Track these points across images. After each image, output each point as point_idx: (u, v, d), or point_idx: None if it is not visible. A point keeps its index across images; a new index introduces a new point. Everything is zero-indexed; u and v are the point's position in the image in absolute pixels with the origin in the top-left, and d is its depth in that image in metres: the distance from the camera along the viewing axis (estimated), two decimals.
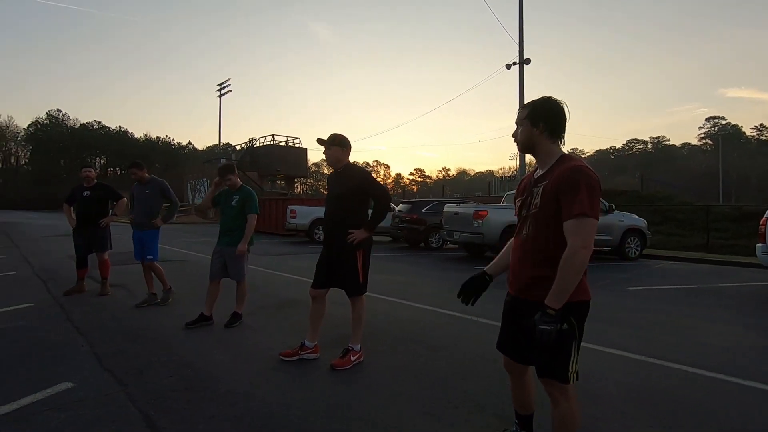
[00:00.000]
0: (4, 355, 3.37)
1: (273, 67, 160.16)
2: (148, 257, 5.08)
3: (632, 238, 10.81)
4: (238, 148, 42.98)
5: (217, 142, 47.07)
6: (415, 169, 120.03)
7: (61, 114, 77.43)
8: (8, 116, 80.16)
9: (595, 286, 7.00)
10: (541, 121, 1.74)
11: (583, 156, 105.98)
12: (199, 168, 45.20)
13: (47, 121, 75.61)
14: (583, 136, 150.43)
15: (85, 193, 5.61)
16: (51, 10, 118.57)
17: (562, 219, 1.61)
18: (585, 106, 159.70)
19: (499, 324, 1.97)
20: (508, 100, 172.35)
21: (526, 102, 1.79)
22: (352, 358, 3.24)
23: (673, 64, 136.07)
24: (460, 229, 10.15)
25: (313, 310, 3.40)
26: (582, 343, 1.73)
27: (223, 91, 45.36)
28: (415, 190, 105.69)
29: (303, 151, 40.71)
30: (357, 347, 3.31)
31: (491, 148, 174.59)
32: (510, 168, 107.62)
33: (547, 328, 1.54)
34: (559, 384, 1.68)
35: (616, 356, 3.59)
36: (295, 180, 44.19)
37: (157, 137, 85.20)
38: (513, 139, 1.82)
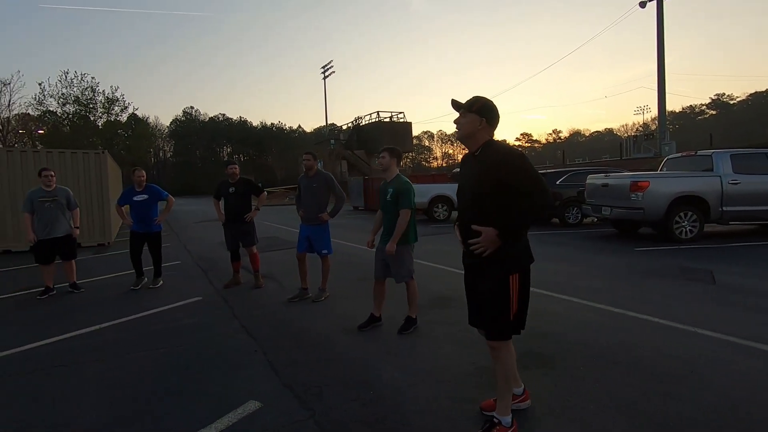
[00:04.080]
0: (191, 359, 3.43)
1: (373, 43, 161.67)
2: (323, 251, 4.96)
3: None
4: (344, 128, 44.18)
5: (324, 123, 48.99)
6: (521, 135, 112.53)
7: (194, 110, 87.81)
8: (155, 117, 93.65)
9: None
10: None
11: (731, 102, 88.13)
12: (312, 150, 47.61)
13: (184, 118, 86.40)
14: (731, 79, 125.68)
15: (230, 189, 5.75)
16: (177, 20, 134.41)
17: None
18: (732, 46, 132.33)
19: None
20: (636, 47, 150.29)
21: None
22: None
23: None
24: (611, 204, 8.73)
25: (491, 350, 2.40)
26: None
27: (327, 73, 46.75)
28: None
29: (408, 126, 40.38)
30: (507, 420, 2.24)
31: (609, 104, 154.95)
32: (634, 124, 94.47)
33: None
34: None
35: None
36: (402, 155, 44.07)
37: (272, 124, 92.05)
38: None
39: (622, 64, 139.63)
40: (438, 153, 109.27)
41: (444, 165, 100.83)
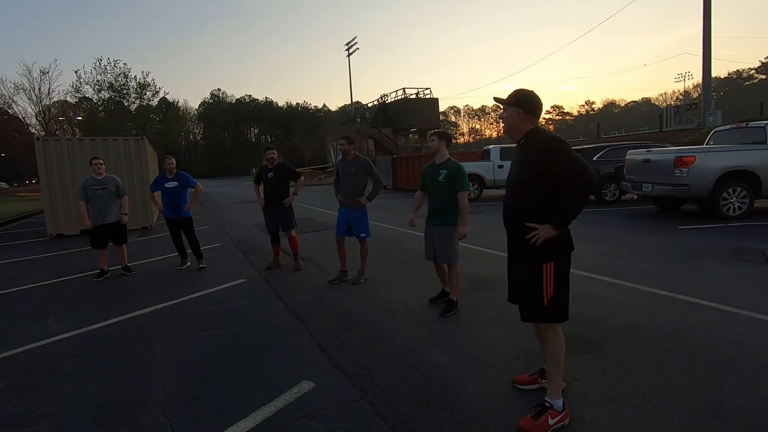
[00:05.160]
0: (244, 340, 3.60)
1: (397, 16, 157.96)
2: (362, 235, 5.05)
3: None
4: (370, 105, 43.80)
5: (349, 102, 48.69)
6: (551, 107, 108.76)
7: (221, 93, 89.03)
8: (184, 100, 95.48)
9: None
10: None
11: None
12: (338, 129, 47.63)
13: (212, 100, 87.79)
14: None
15: (269, 174, 5.85)
16: (202, 1, 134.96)
17: None
18: None
19: None
20: (678, 9, 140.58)
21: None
22: (551, 421, 2.20)
23: None
24: (653, 180, 8.41)
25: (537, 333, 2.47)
26: None
27: (351, 50, 46.10)
28: (551, 130, 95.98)
29: (434, 102, 39.66)
30: (558, 404, 2.26)
31: (647, 72, 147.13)
32: (674, 92, 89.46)
33: None
34: None
35: None
36: (428, 132, 43.56)
37: (297, 104, 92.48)
38: None
39: (662, 29, 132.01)
40: (465, 129, 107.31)
41: (471, 141, 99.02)
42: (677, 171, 7.84)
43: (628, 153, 9.50)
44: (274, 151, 5.90)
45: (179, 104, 72.29)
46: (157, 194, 6.44)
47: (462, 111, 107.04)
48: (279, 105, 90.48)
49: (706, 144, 9.12)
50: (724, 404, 2.34)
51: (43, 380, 3.06)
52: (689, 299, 3.91)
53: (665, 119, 28.95)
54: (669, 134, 23.25)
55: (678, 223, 7.84)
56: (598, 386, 2.59)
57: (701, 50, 25.55)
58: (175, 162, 6.18)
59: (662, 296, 4.05)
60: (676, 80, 76.07)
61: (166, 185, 6.09)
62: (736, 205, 7.74)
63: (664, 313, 3.65)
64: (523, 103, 2.30)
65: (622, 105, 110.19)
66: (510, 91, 2.42)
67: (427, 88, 39.66)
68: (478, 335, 3.46)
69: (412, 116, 37.69)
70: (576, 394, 2.52)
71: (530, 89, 2.36)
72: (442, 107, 77.19)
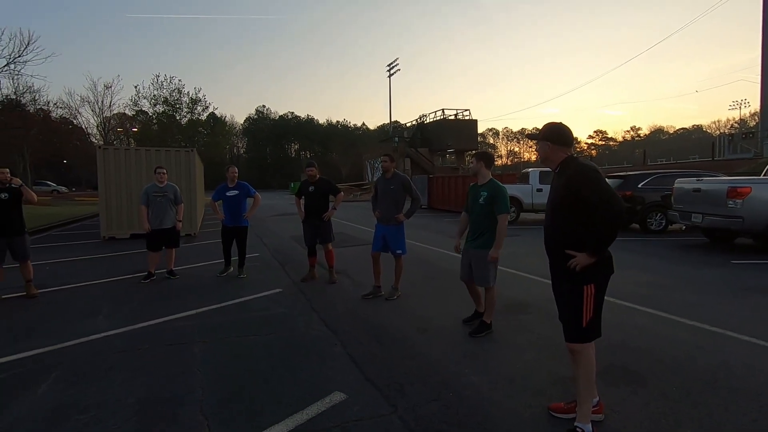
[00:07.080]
0: (278, 347, 3.69)
1: (439, 38, 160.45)
2: (398, 251, 5.10)
3: None
4: (408, 125, 44.25)
5: (388, 121, 49.41)
6: (594, 132, 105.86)
7: (265, 109, 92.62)
8: (231, 115, 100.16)
9: None
10: None
11: None
12: (376, 147, 48.31)
13: (256, 116, 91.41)
14: None
15: (310, 188, 6.03)
16: (251, 23, 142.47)
17: None
18: None
19: None
20: (734, 35, 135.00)
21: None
22: None
23: None
24: (704, 211, 8.00)
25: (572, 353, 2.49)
26: None
27: (392, 71, 46.97)
28: (594, 155, 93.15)
29: (473, 123, 39.60)
30: (588, 428, 2.26)
31: (699, 98, 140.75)
32: (728, 120, 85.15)
33: None
34: None
35: None
36: (466, 153, 43.42)
37: (337, 121, 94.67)
38: None
39: (715, 55, 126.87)
40: (503, 151, 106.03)
41: (509, 163, 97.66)
42: (731, 202, 7.43)
43: (676, 181, 9.11)
44: (314, 168, 6.05)
45: (226, 119, 75.76)
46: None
47: (501, 133, 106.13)
48: (319, 122, 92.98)
49: (764, 175, 8.62)
50: None
51: (91, 373, 3.24)
52: (742, 337, 3.67)
53: (718, 148, 27.51)
54: (722, 163, 22.07)
55: (731, 257, 7.39)
56: (638, 420, 2.47)
57: (759, 77, 24.33)
58: (237, 171, 6.47)
59: (712, 332, 3.82)
60: (730, 108, 72.46)
61: (228, 194, 6.38)
62: None
63: (714, 349, 3.45)
64: (551, 135, 2.45)
65: (671, 132, 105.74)
66: (550, 117, 2.54)
67: (466, 110, 39.78)
68: (512, 358, 3.38)
69: (450, 137, 37.75)
70: (615, 427, 2.42)
71: (558, 121, 2.51)
72: (480, 129, 76.89)
